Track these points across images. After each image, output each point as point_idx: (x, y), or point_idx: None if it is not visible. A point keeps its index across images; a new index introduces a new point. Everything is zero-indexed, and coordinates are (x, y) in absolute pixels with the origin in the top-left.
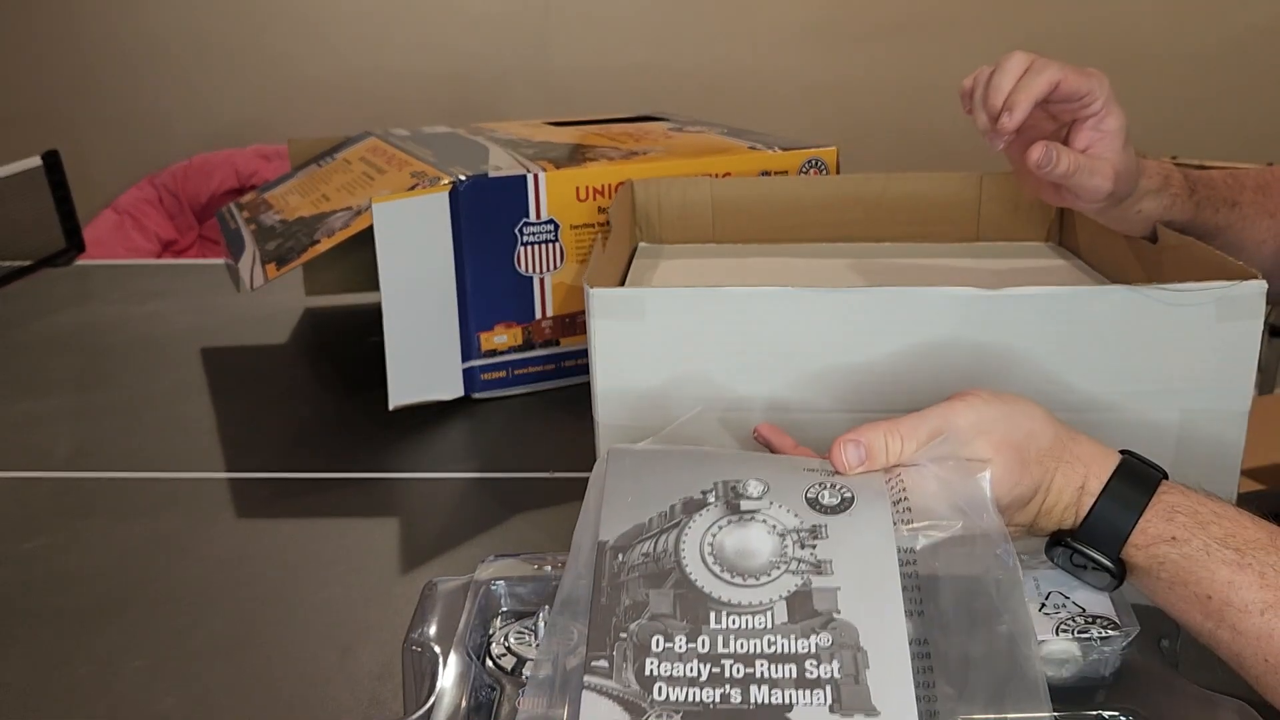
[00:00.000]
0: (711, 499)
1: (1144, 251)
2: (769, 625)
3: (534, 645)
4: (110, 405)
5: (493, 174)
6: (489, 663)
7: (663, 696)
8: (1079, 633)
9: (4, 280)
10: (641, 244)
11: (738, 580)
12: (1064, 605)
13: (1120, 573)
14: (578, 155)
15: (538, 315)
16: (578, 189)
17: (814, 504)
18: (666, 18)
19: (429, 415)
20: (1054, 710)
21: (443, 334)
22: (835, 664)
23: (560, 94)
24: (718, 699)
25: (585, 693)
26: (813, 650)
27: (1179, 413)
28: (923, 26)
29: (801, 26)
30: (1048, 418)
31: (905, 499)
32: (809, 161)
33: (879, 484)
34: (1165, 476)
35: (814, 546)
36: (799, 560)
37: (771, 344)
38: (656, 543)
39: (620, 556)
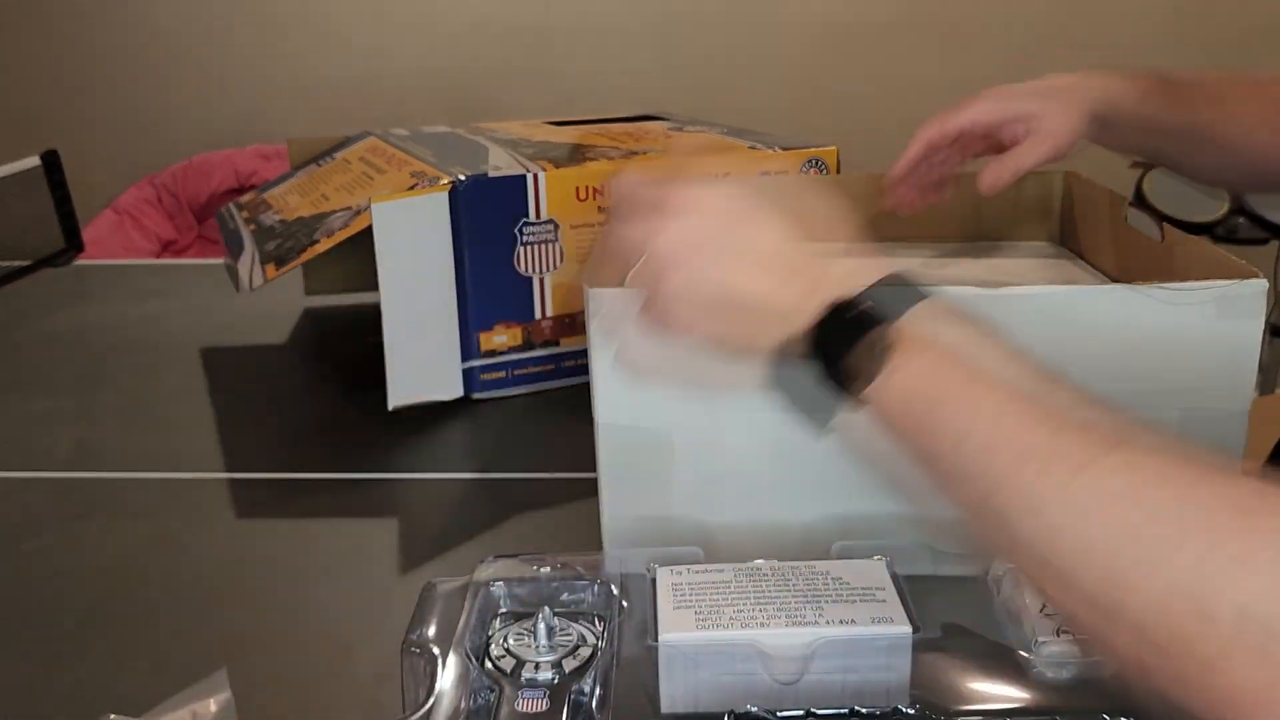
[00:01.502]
0: None
1: (1145, 251)
2: None
3: (533, 647)
4: (110, 405)
5: (492, 174)
6: (488, 664)
7: None
8: (1080, 634)
9: (3, 280)
10: None
11: None
12: None
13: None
14: (578, 155)
15: (537, 315)
16: (578, 189)
17: None
18: (666, 18)
19: (428, 415)
20: (1055, 713)
21: (442, 334)
22: None
23: (560, 94)
24: None
25: None
26: None
27: (1179, 412)
28: (923, 27)
29: (802, 26)
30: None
31: None
32: (809, 161)
33: None
34: None
35: None
36: None
37: None
38: None
39: None
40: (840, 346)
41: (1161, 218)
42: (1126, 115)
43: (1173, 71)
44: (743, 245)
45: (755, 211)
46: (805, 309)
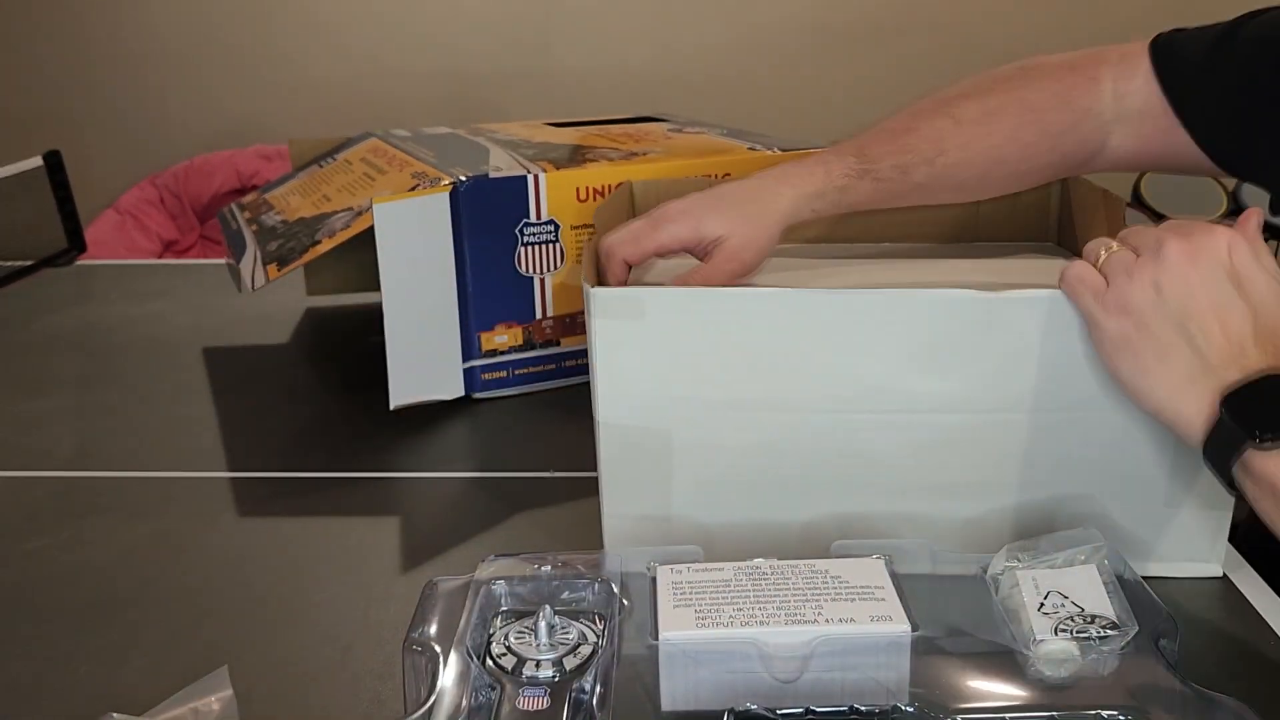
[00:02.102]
0: None
1: None
2: None
3: (534, 645)
4: (112, 405)
5: (493, 174)
6: (489, 662)
7: None
8: (1077, 632)
9: (5, 280)
10: None
11: None
12: (1063, 605)
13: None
14: (578, 156)
15: (538, 315)
16: (578, 190)
17: None
18: (666, 19)
19: (429, 415)
20: (1053, 711)
21: (443, 334)
22: None
23: (560, 95)
24: None
25: None
26: None
27: None
28: (921, 28)
29: (800, 28)
30: None
31: None
32: None
33: None
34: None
35: None
36: None
37: (771, 344)
38: None
39: None
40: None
41: (1159, 218)
42: (830, 207)
43: (877, 135)
44: (1228, 292)
45: (1262, 275)
46: (1239, 364)
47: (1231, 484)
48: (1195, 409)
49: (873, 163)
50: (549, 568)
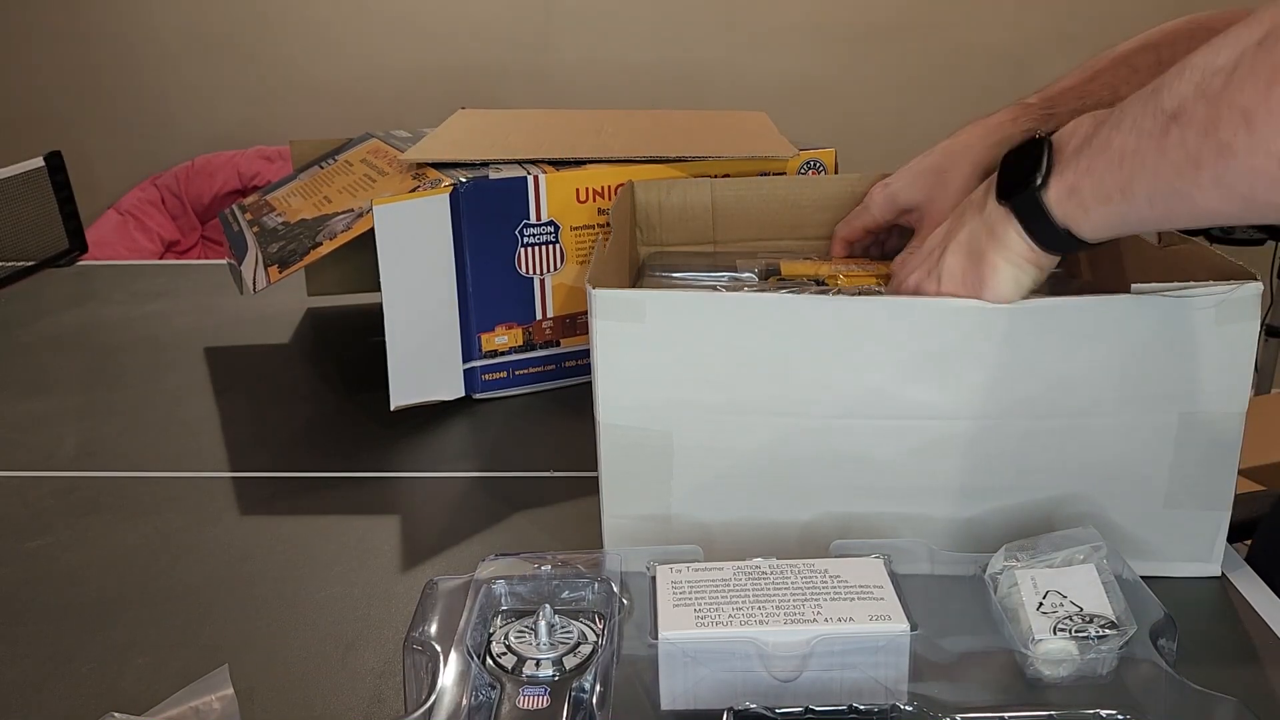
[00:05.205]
0: None
1: (1142, 253)
2: None
3: (534, 644)
4: (113, 405)
5: (493, 175)
6: (489, 661)
7: None
8: (1076, 632)
9: (7, 280)
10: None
11: None
12: (1061, 604)
13: None
14: None
15: (538, 316)
16: (578, 190)
17: None
18: (666, 19)
19: (430, 415)
20: (1051, 710)
21: (443, 335)
22: None
23: (561, 95)
24: None
25: None
26: None
27: (1178, 415)
28: (920, 27)
29: (800, 27)
30: None
31: None
32: (808, 163)
33: None
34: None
35: None
36: None
37: (770, 349)
38: None
39: None
40: None
41: None
42: None
43: (1060, 85)
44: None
45: None
46: None
47: None
48: None
49: (1054, 107)
50: (549, 567)
